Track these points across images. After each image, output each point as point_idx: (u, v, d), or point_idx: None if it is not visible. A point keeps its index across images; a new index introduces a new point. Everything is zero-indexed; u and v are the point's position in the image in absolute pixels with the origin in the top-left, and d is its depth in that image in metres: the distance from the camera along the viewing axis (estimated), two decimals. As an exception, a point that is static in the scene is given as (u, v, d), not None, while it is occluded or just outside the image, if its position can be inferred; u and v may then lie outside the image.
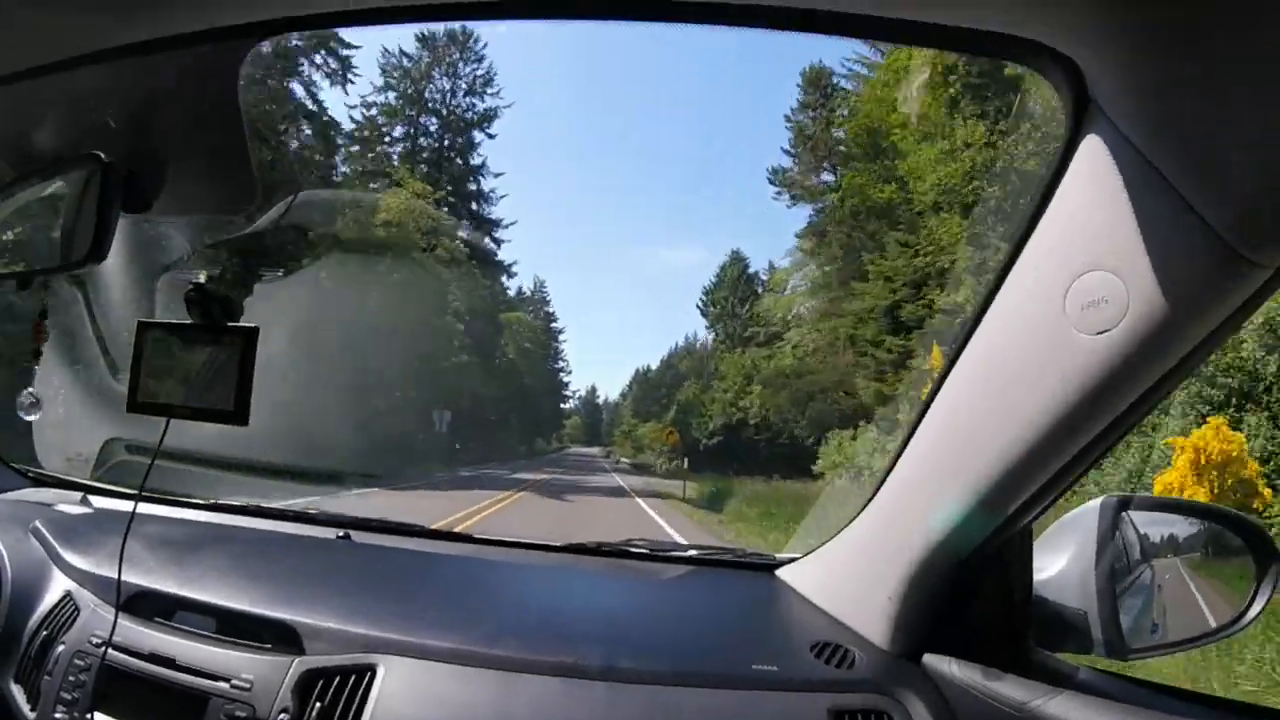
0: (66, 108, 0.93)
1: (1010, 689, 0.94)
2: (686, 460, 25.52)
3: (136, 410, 1.01)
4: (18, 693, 1.20)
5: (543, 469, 27.07)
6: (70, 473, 1.79)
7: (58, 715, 1.11)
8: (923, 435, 0.99)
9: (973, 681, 0.98)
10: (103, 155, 0.89)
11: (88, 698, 1.11)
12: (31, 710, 1.16)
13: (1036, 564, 1.03)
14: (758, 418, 26.84)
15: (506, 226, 36.44)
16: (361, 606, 1.19)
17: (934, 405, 0.96)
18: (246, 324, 0.98)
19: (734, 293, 35.34)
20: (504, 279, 37.96)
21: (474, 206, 34.64)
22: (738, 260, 37.03)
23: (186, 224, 1.29)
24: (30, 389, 1.09)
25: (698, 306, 37.37)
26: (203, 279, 1.03)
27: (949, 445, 0.94)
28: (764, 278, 34.77)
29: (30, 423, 1.69)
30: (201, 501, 1.71)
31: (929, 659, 1.05)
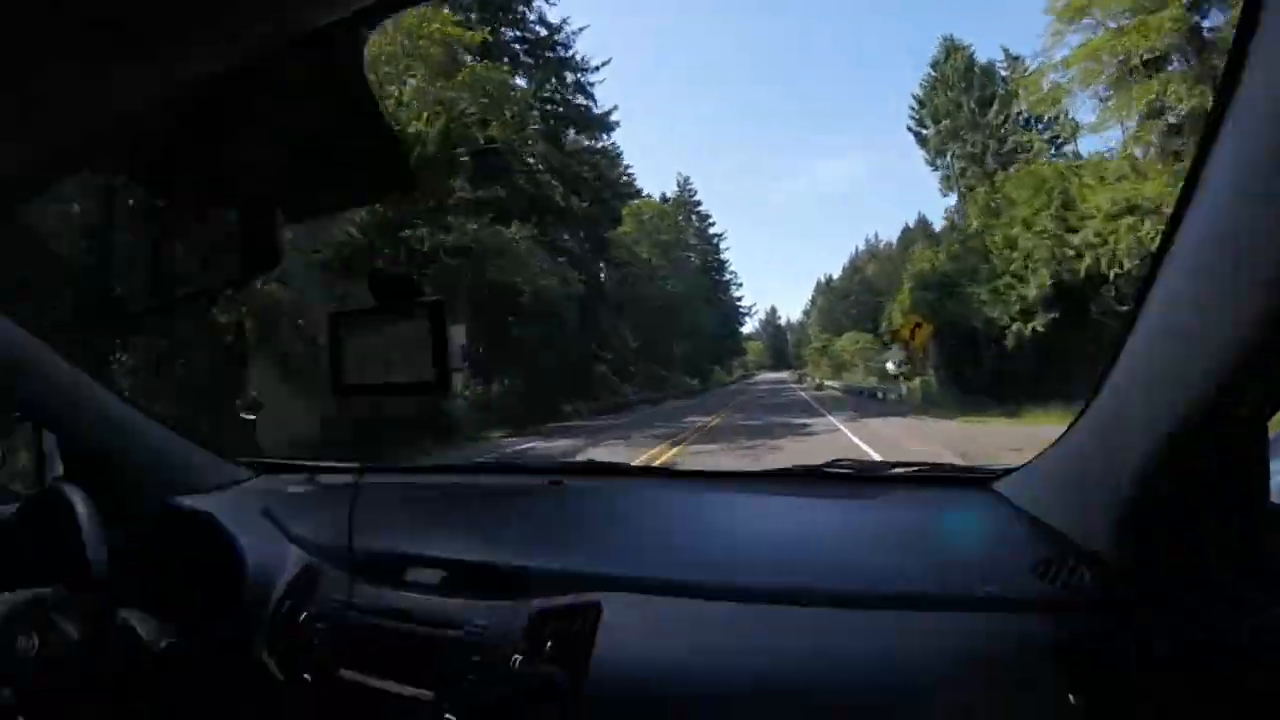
0: (210, 128, 0.99)
1: (1246, 607, 0.83)
2: (942, 371, 15.78)
3: (342, 394, 1.09)
4: (268, 660, 1.32)
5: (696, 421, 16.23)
6: (293, 457, 2.00)
7: (306, 676, 1.23)
8: (1145, 320, 0.86)
9: (1205, 599, 0.87)
10: (255, 166, 0.94)
11: (333, 657, 1.22)
12: (282, 674, 1.28)
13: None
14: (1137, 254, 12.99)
15: (596, 69, 26.79)
16: (581, 548, 1.26)
17: (1155, 284, 0.82)
18: (431, 298, 1.02)
19: (967, 93, 23.52)
20: (603, 135, 27.52)
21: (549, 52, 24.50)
22: (957, 49, 24.52)
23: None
24: (251, 392, 1.20)
25: (909, 128, 26.46)
26: (379, 263, 1.08)
27: (1173, 331, 0.82)
28: (1004, 73, 22.39)
29: (252, 421, 1.88)
30: (419, 465, 1.85)
31: (1160, 576, 0.94)
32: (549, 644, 1.07)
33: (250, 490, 1.85)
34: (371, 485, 1.68)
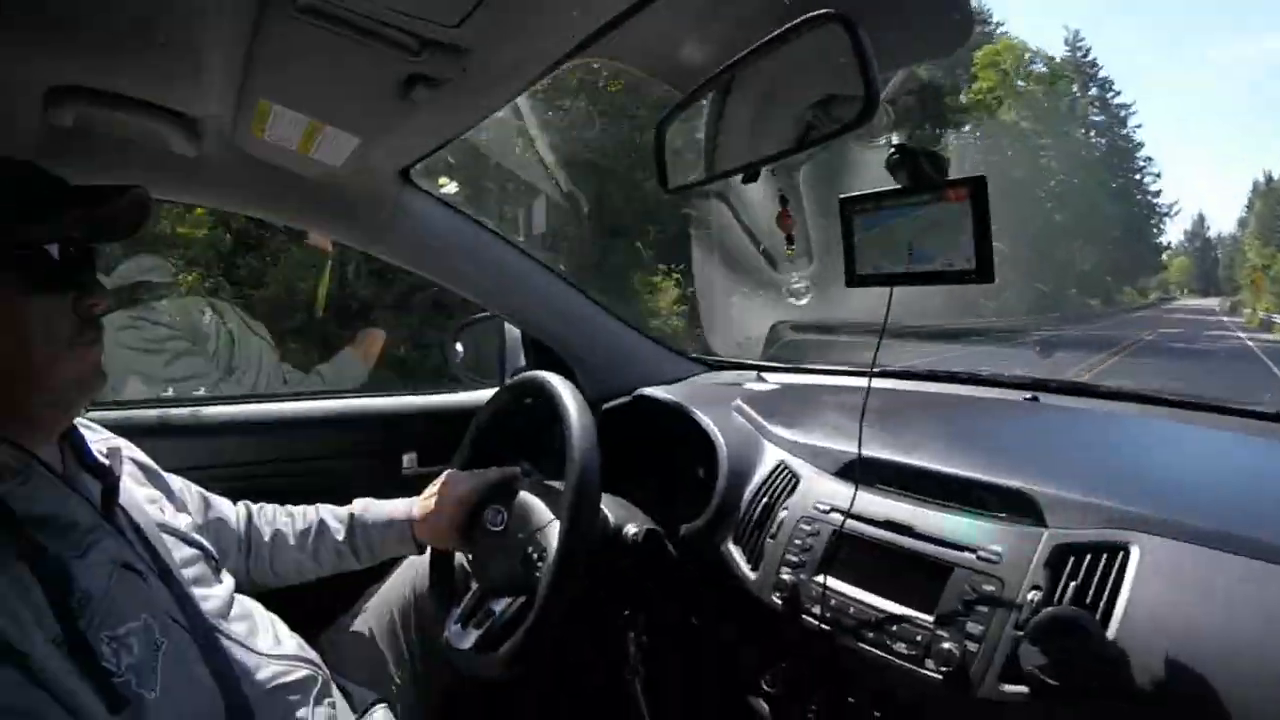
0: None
1: None
2: None
3: (856, 284, 1.01)
4: (737, 553, 1.30)
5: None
6: (741, 356, 2.09)
7: (784, 575, 1.18)
8: None
9: None
10: (838, 12, 0.84)
11: (816, 561, 1.16)
12: (752, 570, 1.26)
13: None
14: None
15: None
16: (1096, 477, 1.06)
17: None
18: (970, 175, 0.88)
19: None
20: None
21: None
22: None
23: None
24: (799, 276, 1.22)
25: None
26: (896, 140, 0.98)
27: None
28: None
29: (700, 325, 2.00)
30: (909, 370, 1.80)
31: None
32: (1071, 581, 0.92)
33: (710, 384, 1.92)
34: (842, 389, 1.65)
